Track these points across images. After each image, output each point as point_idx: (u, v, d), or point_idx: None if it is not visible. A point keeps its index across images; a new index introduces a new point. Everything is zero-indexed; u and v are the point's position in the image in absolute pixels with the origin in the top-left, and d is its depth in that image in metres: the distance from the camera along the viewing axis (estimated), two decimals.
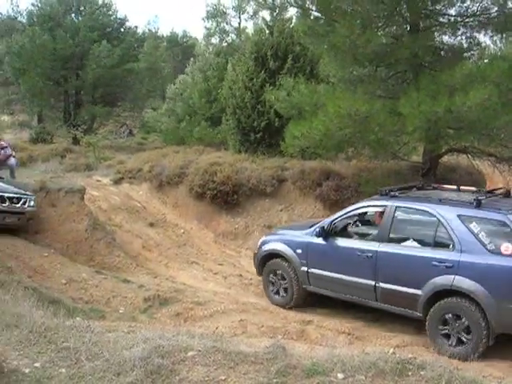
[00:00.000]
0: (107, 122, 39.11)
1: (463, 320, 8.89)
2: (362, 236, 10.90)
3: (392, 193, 10.58)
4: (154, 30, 51.78)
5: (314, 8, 15.27)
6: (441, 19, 14.90)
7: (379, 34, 14.86)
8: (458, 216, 9.28)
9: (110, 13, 37.26)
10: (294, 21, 21.62)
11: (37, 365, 4.89)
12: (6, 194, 13.53)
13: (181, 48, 56.20)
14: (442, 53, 15.30)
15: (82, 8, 35.81)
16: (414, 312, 9.57)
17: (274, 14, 23.79)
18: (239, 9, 34.47)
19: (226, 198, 17.45)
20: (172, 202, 18.40)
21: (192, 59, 33.24)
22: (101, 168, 22.08)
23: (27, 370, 4.76)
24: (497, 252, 8.77)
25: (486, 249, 8.87)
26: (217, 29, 34.35)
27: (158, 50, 43.69)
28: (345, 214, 11.11)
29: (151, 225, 16.96)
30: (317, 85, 16.30)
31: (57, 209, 14.99)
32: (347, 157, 17.20)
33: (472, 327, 8.79)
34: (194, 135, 26.49)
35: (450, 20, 14.77)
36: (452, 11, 14.67)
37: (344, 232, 11.07)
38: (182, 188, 18.42)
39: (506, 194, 10.21)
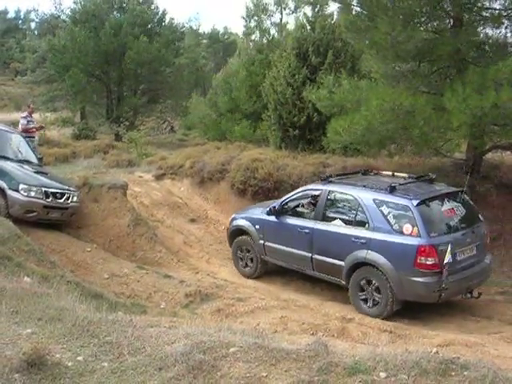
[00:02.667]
0: (149, 119, 39.41)
1: (374, 282, 10.74)
2: (304, 215, 12.50)
3: (330, 179, 12.43)
4: (195, 27, 52.02)
5: (355, 3, 15.17)
6: (484, 13, 14.65)
7: (421, 29, 14.69)
8: (373, 200, 11.00)
9: (151, 9, 37.54)
10: (335, 16, 21.54)
11: (79, 358, 4.93)
12: (50, 190, 13.69)
13: (222, 45, 56.36)
14: (486, 47, 15.04)
15: (124, 5, 36.12)
16: (340, 280, 11.45)
17: (316, 9, 23.67)
18: (280, 4, 34.44)
19: (267, 194, 17.41)
20: (213, 198, 18.43)
21: (236, 53, 33.29)
22: (143, 164, 22.21)
23: (70, 364, 4.80)
24: (400, 231, 10.45)
25: (392, 228, 10.57)
26: (257, 26, 34.36)
27: (200, 47, 43.90)
28: (291, 196, 13.02)
29: (192, 221, 17.02)
30: (359, 81, 16.16)
31: (99, 204, 15.14)
32: (389, 153, 17.02)
33: (381, 289, 10.62)
34: (234, 133, 26.55)
35: (493, 14, 14.50)
36: (496, 5, 14.43)
37: (291, 211, 12.77)
38: (224, 184, 18.44)
39: (430, 181, 12.07)
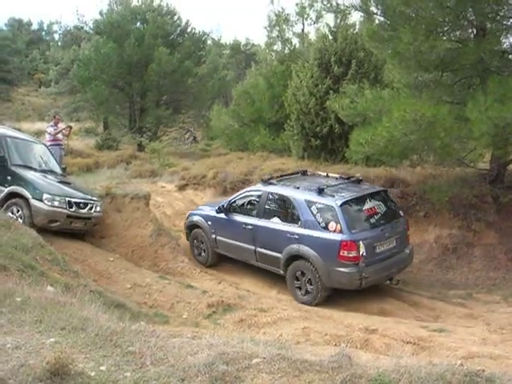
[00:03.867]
0: (171, 129, 39.55)
1: (306, 275, 12.32)
2: (248, 213, 13.94)
3: (270, 181, 13.92)
4: (216, 38, 52.22)
5: (378, 12, 15.16)
6: (507, 22, 14.54)
7: (444, 38, 14.63)
8: (305, 200, 12.54)
9: (174, 20, 37.73)
10: (357, 26, 21.52)
11: (102, 368, 4.92)
12: (73, 199, 13.80)
13: (244, 56, 56.50)
14: (510, 56, 14.95)
15: (147, 16, 36.33)
16: (279, 270, 13.03)
17: (338, 20, 23.66)
18: (302, 14, 34.43)
19: None
20: None
21: (254, 65, 33.30)
22: (165, 174, 22.31)
23: (93, 373, 4.80)
24: (326, 228, 12.00)
25: (320, 226, 12.10)
26: (279, 36, 34.36)
27: (221, 58, 44.05)
28: (237, 196, 14.57)
29: None
30: (381, 90, 16.12)
31: (122, 214, 15.22)
32: (412, 163, 16.96)
33: (312, 279, 12.20)
34: (256, 142, 26.56)
35: None
36: None
37: (237, 209, 14.26)
38: None
39: (358, 181, 13.71)
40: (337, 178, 13.97)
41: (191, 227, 15.46)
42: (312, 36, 32.22)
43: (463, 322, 11.04)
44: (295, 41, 32.21)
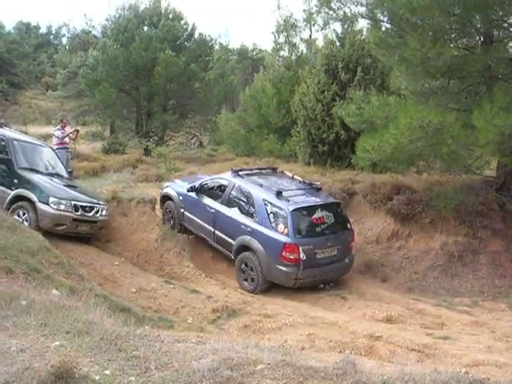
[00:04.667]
0: (178, 134, 39.53)
1: (251, 266, 13.61)
2: (214, 197, 15.16)
3: (239, 172, 15.16)
4: (224, 43, 52.23)
5: (385, 20, 15.16)
6: None
7: (451, 46, 14.62)
8: (263, 199, 13.78)
9: (181, 24, 37.74)
10: (364, 32, 21.51)
11: (107, 372, 4.92)
12: (80, 203, 13.87)
13: (251, 61, 56.48)
14: None
15: (154, 20, 36.37)
16: (230, 255, 14.35)
17: (345, 26, 23.65)
18: (309, 20, 34.43)
19: None
20: None
21: (261, 70, 33.29)
22: (171, 179, 22.28)
23: (97, 377, 4.79)
24: (276, 229, 13.29)
25: (271, 225, 13.41)
26: (286, 42, 34.34)
27: (228, 63, 44.05)
28: (208, 180, 15.82)
29: None
30: (388, 97, 16.12)
31: (128, 218, 15.28)
32: (418, 170, 16.94)
33: (255, 270, 13.48)
34: (262, 148, 26.56)
35: None
36: None
37: (206, 192, 15.47)
38: None
39: (317, 189, 14.83)
40: (300, 182, 15.23)
41: (165, 198, 16.60)
42: (319, 42, 32.23)
43: (468, 330, 11.01)
44: (302, 47, 32.20)
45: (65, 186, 14.46)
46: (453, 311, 12.44)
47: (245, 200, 14.28)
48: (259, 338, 9.89)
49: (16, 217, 13.16)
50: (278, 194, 13.63)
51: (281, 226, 13.20)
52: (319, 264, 13.42)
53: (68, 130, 20.18)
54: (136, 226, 15.13)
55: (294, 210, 13.28)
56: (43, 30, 76.42)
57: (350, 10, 15.80)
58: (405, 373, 5.08)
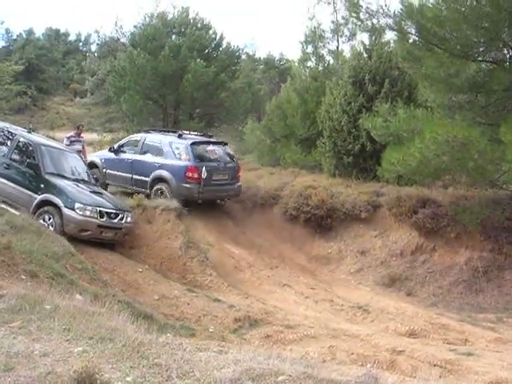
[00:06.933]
0: None
1: (163, 189, 17.57)
2: (130, 151, 19.16)
3: (149, 130, 20.49)
4: (251, 53, 52.36)
5: (412, 32, 15.11)
6: None
7: (479, 59, 14.55)
8: (169, 141, 18.39)
9: (210, 34, 37.88)
10: (392, 44, 21.43)
11: (128, 379, 4.91)
12: (105, 209, 13.95)
13: (277, 71, 56.54)
14: None
15: (183, 29, 36.50)
16: (146, 190, 17.82)
17: (373, 37, 23.58)
18: (337, 32, 34.38)
19: (319, 221, 17.44)
20: (266, 224, 18.43)
21: (289, 80, 33.27)
22: None
23: None
24: (180, 159, 17.77)
25: (176, 157, 17.86)
26: (313, 53, 34.28)
27: (255, 72, 44.12)
28: (124, 141, 20.22)
29: (244, 245, 16.98)
30: (415, 110, 16.04)
31: (152, 226, 15.33)
32: (444, 184, 16.84)
33: (167, 193, 17.38)
34: (287, 158, 26.51)
35: None
36: None
37: (123, 150, 19.42)
38: (276, 210, 18.50)
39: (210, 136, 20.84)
40: (197, 135, 20.05)
41: (90, 166, 18.54)
42: (346, 53, 32.15)
43: (492, 347, 10.89)
44: (329, 57, 32.13)
45: (90, 192, 14.56)
46: (477, 327, 12.31)
47: (155, 146, 18.58)
48: (280, 348, 9.84)
49: (41, 221, 13.28)
50: (180, 136, 18.49)
51: (184, 156, 17.70)
52: (215, 184, 17.90)
53: (83, 136, 20.59)
54: (160, 234, 15.17)
55: (192, 143, 18.01)
56: (72, 37, 77.13)
57: (378, 21, 15.76)
58: None
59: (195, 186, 17.08)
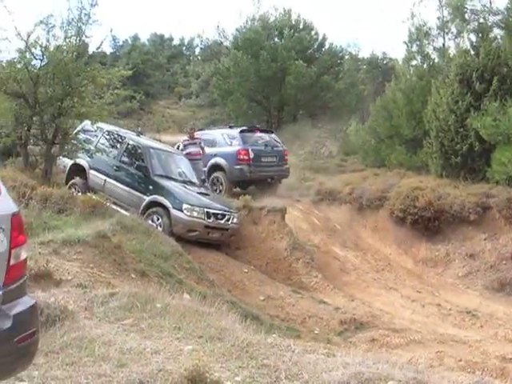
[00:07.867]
0: (307, 144, 39.60)
1: (220, 177, 19.78)
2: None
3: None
4: (354, 53, 51.96)
5: None
6: None
7: None
8: (221, 133, 21.15)
9: (311, 35, 37.87)
10: (499, 39, 20.81)
11: (237, 379, 4.96)
12: (212, 210, 14.14)
13: (381, 70, 55.89)
14: None
15: (283, 31, 36.66)
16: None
17: (479, 34, 22.94)
18: (443, 29, 33.62)
19: (427, 223, 17.13)
20: (371, 226, 18.31)
21: (393, 79, 32.82)
22: (301, 188, 22.33)
23: (228, 383, 4.86)
24: (231, 145, 19.98)
25: (227, 144, 20.12)
26: (419, 51, 33.66)
27: (359, 73, 43.77)
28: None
29: (350, 248, 16.91)
30: None
31: (258, 227, 15.43)
32: None
33: (222, 180, 19.59)
34: (392, 159, 26.14)
35: None
36: None
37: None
38: (382, 212, 18.30)
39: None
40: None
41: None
42: (452, 51, 31.40)
43: None
44: (435, 55, 31.46)
45: (197, 193, 14.81)
46: None
47: (209, 139, 20.21)
48: (386, 353, 9.71)
49: (150, 222, 13.61)
50: (230, 127, 21.93)
51: (234, 143, 20.10)
52: (264, 165, 20.19)
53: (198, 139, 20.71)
54: (266, 235, 15.25)
55: (241, 131, 20.74)
56: (176, 42, 78.54)
57: (485, 19, 15.34)
58: None
59: (246, 167, 19.45)
